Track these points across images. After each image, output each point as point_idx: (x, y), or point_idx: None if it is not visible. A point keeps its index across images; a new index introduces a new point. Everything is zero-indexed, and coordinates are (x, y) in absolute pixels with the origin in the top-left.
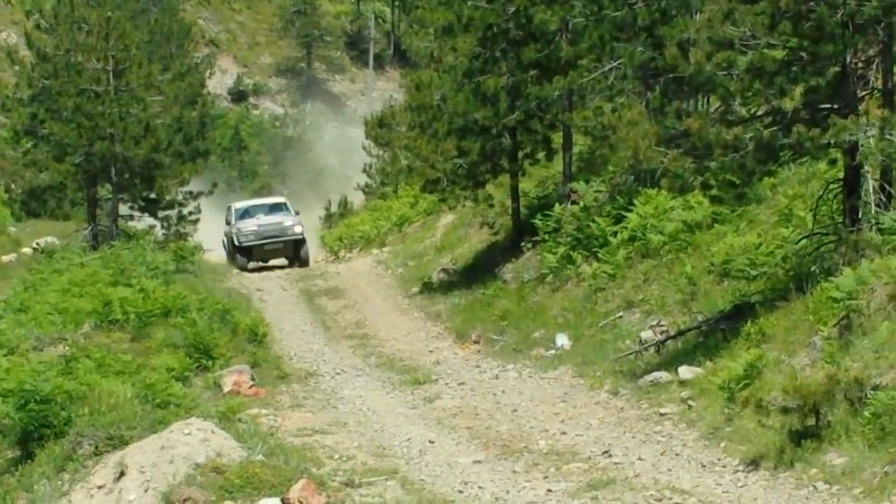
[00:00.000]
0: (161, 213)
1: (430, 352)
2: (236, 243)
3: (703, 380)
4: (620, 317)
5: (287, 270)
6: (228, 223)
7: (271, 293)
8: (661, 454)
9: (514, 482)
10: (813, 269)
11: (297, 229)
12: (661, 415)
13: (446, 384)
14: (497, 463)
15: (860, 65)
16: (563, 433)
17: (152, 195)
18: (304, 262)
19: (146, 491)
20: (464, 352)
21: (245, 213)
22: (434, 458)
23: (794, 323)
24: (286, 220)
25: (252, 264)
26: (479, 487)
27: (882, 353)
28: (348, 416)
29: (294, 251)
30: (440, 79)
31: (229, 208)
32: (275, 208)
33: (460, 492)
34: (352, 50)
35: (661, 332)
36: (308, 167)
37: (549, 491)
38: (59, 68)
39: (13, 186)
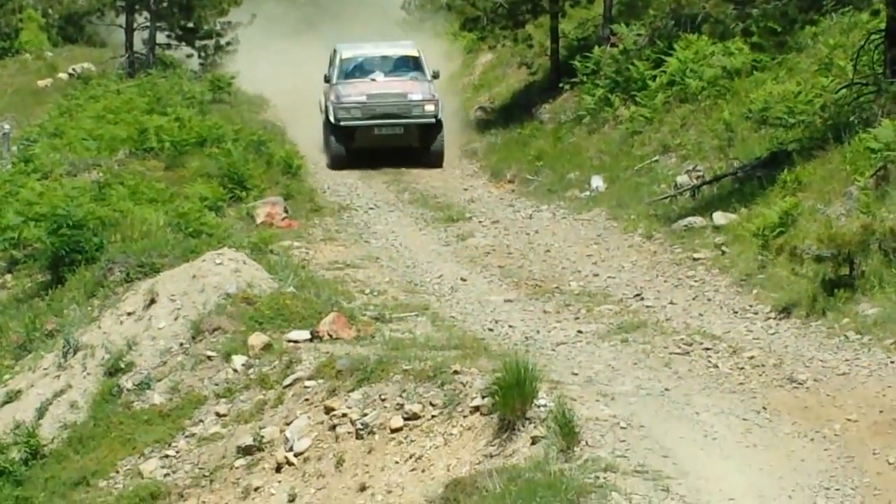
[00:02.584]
0: (198, 43)
1: (465, 189)
2: (332, 120)
3: (738, 226)
4: (656, 161)
5: None
6: (328, 80)
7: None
8: (693, 299)
9: (545, 322)
10: (851, 119)
11: (430, 108)
12: (695, 259)
13: (480, 222)
14: (528, 303)
15: None
16: (596, 275)
17: (190, 24)
18: (435, 159)
19: (176, 319)
20: (498, 190)
21: (355, 69)
22: (465, 295)
23: (831, 172)
24: (415, 88)
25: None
26: (510, 326)
27: None
28: (380, 251)
29: (421, 139)
30: None
31: (334, 53)
32: (400, 65)
33: (490, 330)
34: None
35: (697, 178)
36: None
37: (580, 332)
38: None
39: (50, 11)
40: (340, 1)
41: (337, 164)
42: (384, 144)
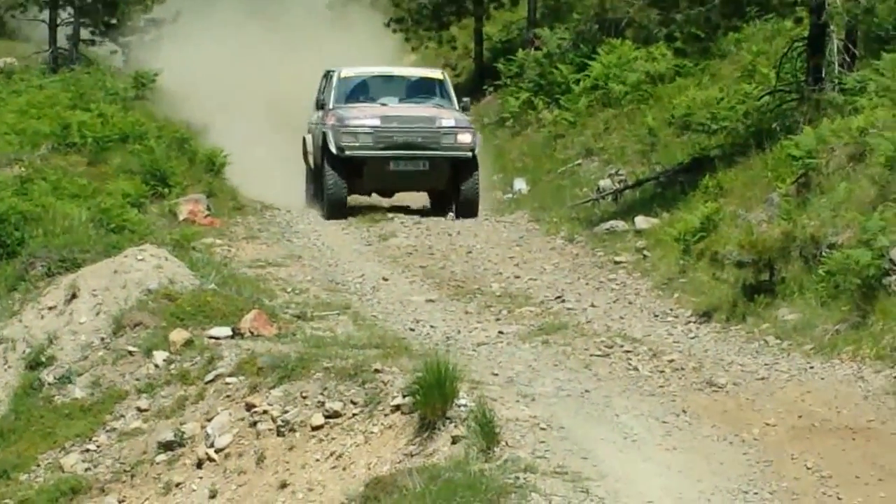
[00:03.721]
0: (122, 39)
1: None
2: (333, 149)
3: (659, 231)
4: (579, 164)
5: None
6: (321, 106)
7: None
8: (614, 302)
9: (466, 323)
10: (773, 126)
11: (465, 139)
12: (616, 263)
13: (402, 223)
14: (449, 303)
15: None
16: (517, 277)
17: (114, 20)
18: (468, 207)
19: (98, 314)
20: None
21: (358, 91)
22: (387, 295)
23: (753, 178)
24: (444, 114)
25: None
26: (431, 326)
27: (839, 212)
28: (302, 250)
29: (451, 179)
30: None
31: (327, 77)
32: (419, 89)
33: (412, 329)
34: None
35: (620, 182)
36: None
37: (501, 333)
38: None
39: None
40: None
41: (336, 210)
42: (401, 185)
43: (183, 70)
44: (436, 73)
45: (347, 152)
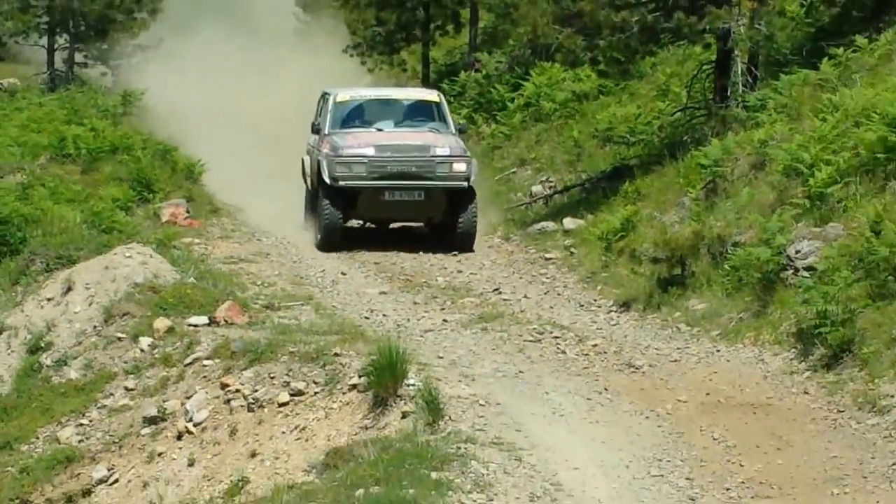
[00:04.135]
0: (112, 62)
1: None
2: (327, 179)
3: (585, 230)
4: (514, 172)
5: None
6: (317, 130)
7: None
8: (545, 293)
9: (415, 312)
10: (685, 138)
11: (460, 168)
12: (546, 259)
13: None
14: (400, 295)
15: None
16: (460, 272)
17: (105, 46)
18: (465, 240)
19: (90, 305)
20: None
21: (354, 115)
22: (345, 288)
23: (667, 185)
24: (439, 141)
25: (353, 224)
26: (384, 315)
27: (742, 214)
28: (270, 248)
29: (447, 211)
30: None
31: (324, 99)
32: (415, 112)
33: (367, 318)
34: None
35: (550, 188)
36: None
37: (445, 321)
38: None
39: None
40: (236, 25)
41: (329, 241)
42: (396, 215)
43: (165, 89)
44: (432, 96)
45: (341, 182)
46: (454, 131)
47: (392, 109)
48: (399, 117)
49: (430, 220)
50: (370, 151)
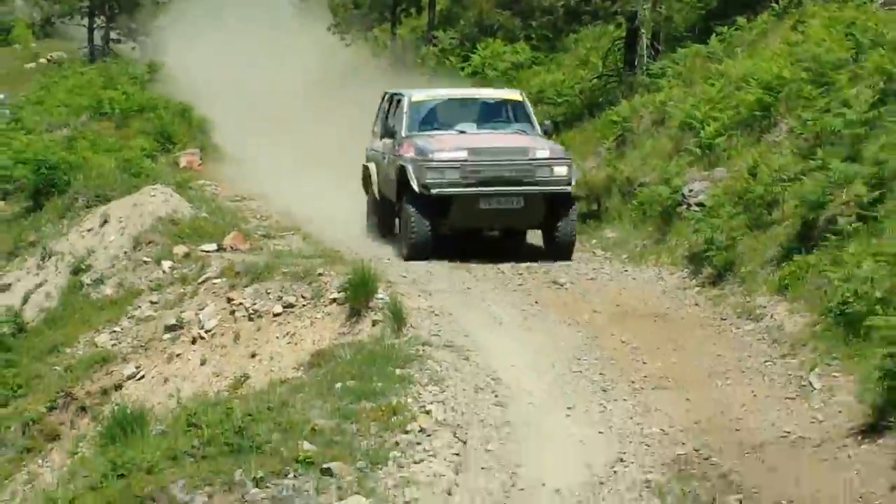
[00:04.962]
0: (140, 39)
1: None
2: (415, 186)
3: None
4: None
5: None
6: (391, 134)
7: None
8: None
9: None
10: (600, 100)
11: (562, 171)
12: None
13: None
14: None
15: None
16: None
17: (134, 25)
18: (564, 249)
19: (122, 234)
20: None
21: (431, 116)
22: (324, 224)
23: (587, 138)
24: (537, 143)
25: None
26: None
27: (646, 161)
28: (268, 190)
29: (547, 216)
30: None
31: (392, 101)
32: (497, 113)
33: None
34: None
35: None
36: None
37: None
38: None
39: (34, 14)
40: (241, 8)
41: (420, 251)
42: (492, 224)
43: (183, 61)
44: (514, 95)
45: (434, 190)
46: (540, 132)
47: (472, 110)
48: (480, 118)
49: (526, 226)
50: (463, 155)
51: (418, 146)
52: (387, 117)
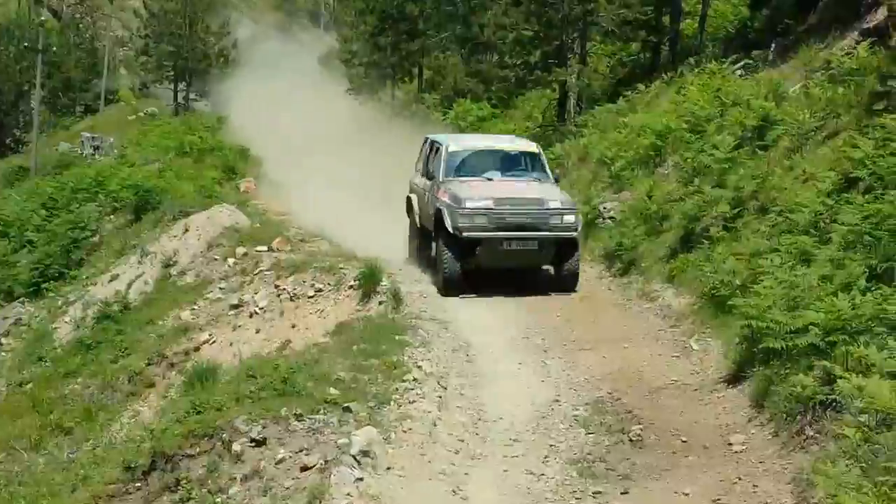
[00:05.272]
0: (210, 98)
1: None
2: (450, 228)
3: None
4: None
5: None
6: (431, 175)
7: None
8: None
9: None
10: (542, 143)
11: (571, 219)
12: None
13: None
14: (382, 236)
15: (570, 41)
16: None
17: (206, 88)
18: (570, 282)
19: (199, 239)
20: None
21: (464, 165)
22: (347, 232)
23: None
24: (551, 194)
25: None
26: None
27: (574, 186)
28: (303, 207)
29: (557, 257)
30: (356, 36)
31: (433, 148)
32: (517, 163)
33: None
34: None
35: None
36: None
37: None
38: (161, 22)
39: (134, 80)
40: (281, 73)
41: (451, 286)
42: (510, 263)
43: (240, 114)
44: (531, 147)
45: (465, 234)
46: (553, 178)
47: (497, 159)
48: (504, 166)
49: (539, 265)
50: (490, 204)
51: (452, 192)
52: (427, 160)
